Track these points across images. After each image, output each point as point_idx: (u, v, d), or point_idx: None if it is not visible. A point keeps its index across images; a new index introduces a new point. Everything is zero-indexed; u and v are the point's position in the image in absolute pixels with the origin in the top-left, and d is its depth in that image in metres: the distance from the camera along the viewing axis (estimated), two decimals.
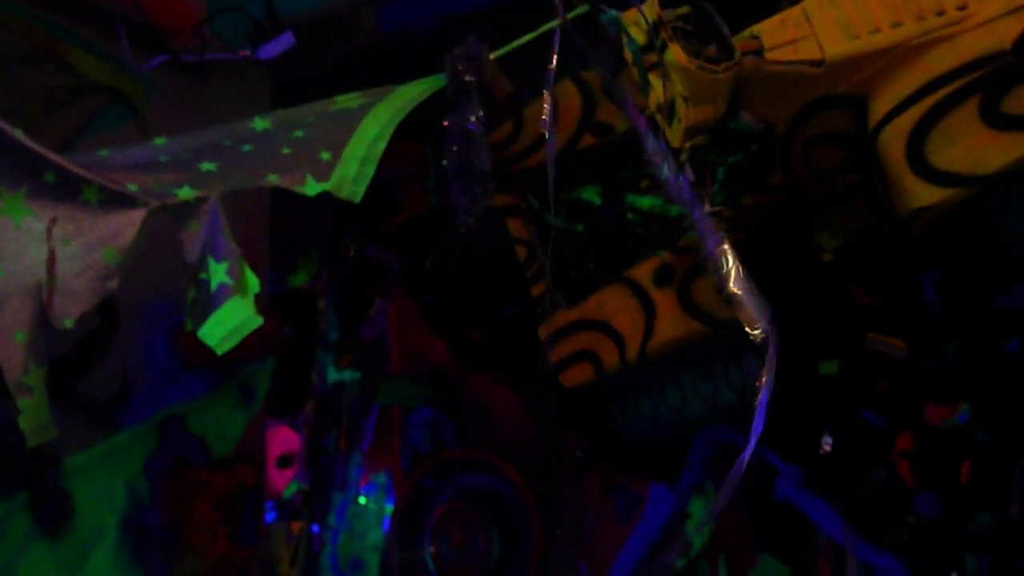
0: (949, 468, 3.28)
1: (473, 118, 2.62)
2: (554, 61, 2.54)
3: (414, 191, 4.98)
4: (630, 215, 3.27)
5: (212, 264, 2.36)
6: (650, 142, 2.46)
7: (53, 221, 2.28)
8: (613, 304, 3.18)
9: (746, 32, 2.50)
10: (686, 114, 2.41)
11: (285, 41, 4.05)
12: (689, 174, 2.58)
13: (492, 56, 2.65)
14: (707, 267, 2.55)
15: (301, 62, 4.28)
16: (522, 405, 4.54)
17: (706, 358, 3.29)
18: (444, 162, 2.59)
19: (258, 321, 2.33)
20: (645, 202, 3.22)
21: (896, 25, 2.46)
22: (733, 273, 2.35)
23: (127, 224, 2.34)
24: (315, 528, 4.90)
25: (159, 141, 2.55)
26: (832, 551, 3.55)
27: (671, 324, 3.06)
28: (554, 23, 2.64)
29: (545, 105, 2.59)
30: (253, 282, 2.35)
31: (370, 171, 2.54)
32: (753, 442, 2.23)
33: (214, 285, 2.34)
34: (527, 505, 4.35)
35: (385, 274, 5.08)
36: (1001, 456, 3.20)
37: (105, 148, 2.52)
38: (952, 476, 3.27)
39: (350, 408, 5.00)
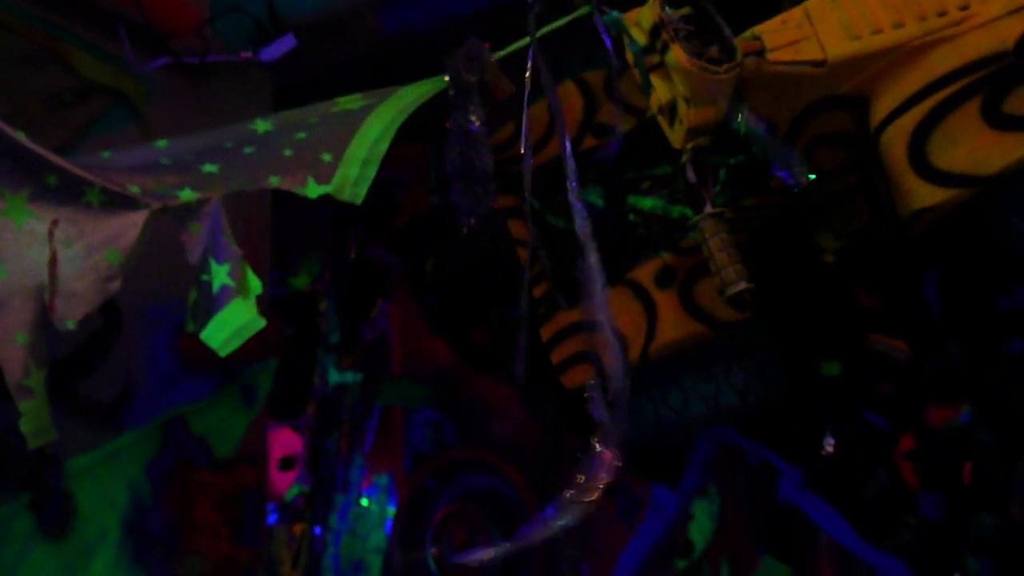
0: (951, 469, 3.28)
1: (475, 119, 2.62)
2: (528, 67, 2.55)
3: (416, 192, 4.99)
4: (632, 216, 3.27)
5: (214, 266, 2.36)
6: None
7: (55, 223, 2.28)
8: (615, 305, 3.18)
9: (748, 33, 2.50)
10: (688, 115, 2.41)
11: (287, 43, 4.05)
12: (691, 175, 2.57)
13: (494, 57, 2.65)
14: (709, 268, 2.55)
15: (303, 63, 4.28)
16: (524, 406, 4.54)
17: (708, 359, 3.29)
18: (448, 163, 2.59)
19: (261, 323, 2.33)
20: (647, 203, 3.22)
21: (898, 26, 2.45)
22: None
23: (129, 226, 2.35)
24: (317, 530, 4.90)
25: (161, 143, 2.56)
26: (834, 552, 3.54)
27: (673, 325, 3.06)
28: (556, 24, 2.65)
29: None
30: (255, 284, 2.35)
31: (372, 172, 2.54)
32: None
33: (216, 287, 2.35)
34: (529, 506, 4.34)
35: (387, 275, 5.08)
36: (1003, 457, 3.20)
37: (107, 150, 2.52)
38: (954, 477, 3.27)
39: (352, 410, 5.01)
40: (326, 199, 2.53)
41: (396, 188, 5.01)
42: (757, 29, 2.51)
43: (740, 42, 2.41)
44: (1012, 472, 3.17)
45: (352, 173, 2.52)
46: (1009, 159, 2.37)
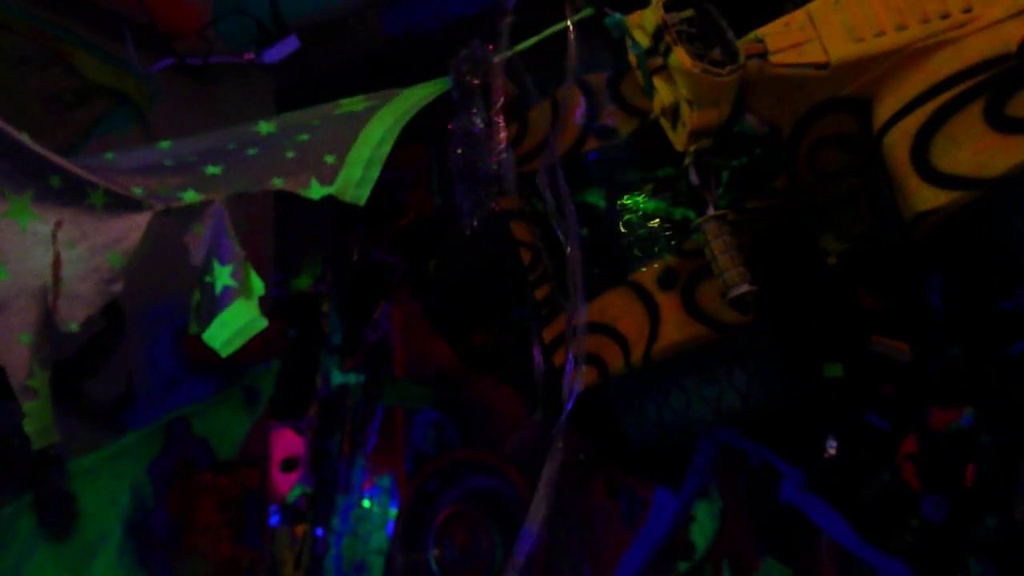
0: (954, 471, 3.27)
1: (478, 121, 2.62)
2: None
3: (419, 193, 4.99)
4: (635, 218, 3.27)
5: (217, 267, 2.37)
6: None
7: (59, 225, 2.29)
8: (617, 307, 3.18)
9: (751, 35, 2.50)
10: (690, 117, 2.41)
11: (290, 44, 4.05)
12: (694, 177, 2.58)
13: (497, 59, 2.65)
14: (712, 270, 2.55)
15: (306, 65, 4.29)
16: (526, 407, 4.54)
17: (710, 361, 3.29)
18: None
19: (263, 323, 2.34)
20: (650, 205, 3.22)
21: (901, 28, 2.46)
22: None
23: (132, 227, 2.35)
24: (319, 531, 4.91)
25: (164, 145, 2.56)
26: (836, 554, 3.54)
27: (675, 327, 3.06)
28: (559, 25, 2.65)
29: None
30: (257, 285, 2.36)
31: (374, 174, 2.55)
32: None
33: (219, 288, 2.35)
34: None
35: (389, 277, 5.08)
36: (1006, 459, 3.19)
37: (110, 151, 2.53)
38: (957, 479, 3.26)
39: (354, 411, 5.01)
40: (329, 200, 2.53)
41: (399, 190, 5.02)
42: (760, 31, 2.51)
43: (743, 44, 2.41)
44: (1014, 474, 3.17)
45: (355, 174, 2.53)
46: (1012, 161, 2.37)
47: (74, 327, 2.31)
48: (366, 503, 4.95)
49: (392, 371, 5.06)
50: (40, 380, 2.24)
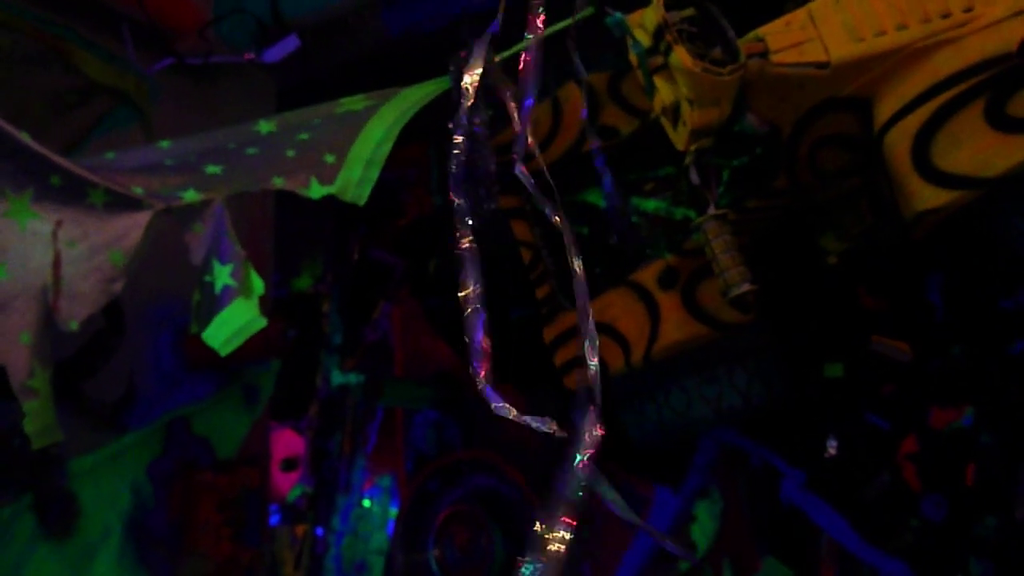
0: (954, 471, 3.27)
1: (478, 120, 2.62)
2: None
3: (418, 193, 4.99)
4: (635, 218, 3.27)
5: (217, 266, 2.36)
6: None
7: (59, 224, 2.28)
8: (618, 307, 3.18)
9: (751, 35, 2.50)
10: (691, 116, 2.41)
11: (290, 44, 4.06)
12: (695, 177, 2.57)
13: (497, 58, 2.65)
14: (712, 270, 2.55)
15: (306, 65, 4.29)
16: (526, 407, 4.53)
17: (711, 361, 3.29)
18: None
19: (262, 323, 2.33)
20: (650, 205, 3.22)
21: (901, 28, 2.45)
22: None
23: (132, 227, 2.35)
24: (319, 531, 4.91)
25: (164, 144, 2.56)
26: (836, 554, 3.54)
27: (676, 327, 3.06)
28: (560, 25, 2.65)
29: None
30: (257, 284, 2.36)
31: (375, 174, 2.54)
32: None
33: (219, 287, 2.35)
34: (531, 507, 4.34)
35: (389, 276, 5.08)
36: (1006, 458, 3.19)
37: (111, 151, 2.53)
38: (957, 479, 3.26)
39: (354, 411, 5.01)
40: (329, 200, 2.53)
41: (399, 189, 5.01)
42: (761, 31, 2.51)
43: (744, 44, 2.41)
44: (1014, 474, 3.17)
45: (355, 174, 2.53)
46: (1012, 161, 2.37)
47: (74, 326, 2.31)
48: (366, 503, 4.95)
49: (392, 371, 5.06)
50: (41, 380, 2.24)
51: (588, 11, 2.67)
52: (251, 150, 2.59)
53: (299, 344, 4.87)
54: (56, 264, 2.27)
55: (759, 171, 2.83)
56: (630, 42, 2.45)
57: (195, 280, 2.43)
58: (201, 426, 4.01)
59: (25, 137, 2.22)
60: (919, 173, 2.48)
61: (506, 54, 2.67)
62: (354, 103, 2.74)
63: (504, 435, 4.59)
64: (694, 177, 2.58)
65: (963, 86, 2.41)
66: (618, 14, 2.47)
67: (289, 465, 4.93)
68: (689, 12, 2.37)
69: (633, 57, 2.48)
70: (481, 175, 2.66)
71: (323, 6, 4.15)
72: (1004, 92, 2.38)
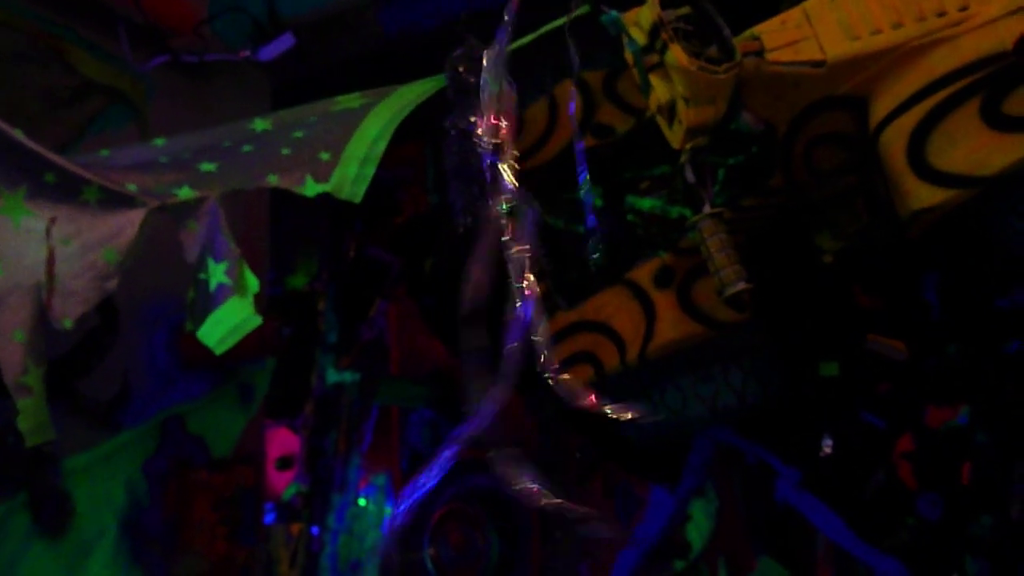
0: (950, 470, 3.27)
1: (474, 119, 2.62)
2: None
3: (414, 191, 4.98)
4: (630, 217, 3.27)
5: (211, 264, 2.36)
6: None
7: (53, 221, 2.28)
8: (613, 306, 3.18)
9: (747, 33, 2.50)
10: (687, 115, 2.40)
11: (285, 42, 4.05)
12: (690, 175, 2.57)
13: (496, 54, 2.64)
14: (708, 268, 2.55)
15: (302, 63, 4.28)
16: (522, 406, 4.54)
17: (706, 360, 3.28)
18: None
19: (257, 321, 2.33)
20: (646, 203, 3.22)
21: (897, 26, 2.45)
22: None
23: (127, 224, 2.34)
24: (314, 530, 4.90)
25: (159, 141, 2.56)
26: (832, 553, 3.54)
27: (671, 326, 3.06)
28: (556, 23, 2.64)
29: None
30: (252, 282, 2.35)
31: (370, 171, 2.54)
32: None
33: (213, 285, 2.35)
34: (527, 507, 4.34)
35: (385, 275, 5.07)
36: (1001, 457, 3.20)
37: (105, 148, 2.52)
38: (953, 478, 3.26)
39: (349, 409, 5.00)
40: (324, 198, 2.53)
41: (395, 188, 5.01)
42: (756, 29, 2.51)
43: (739, 42, 2.40)
44: (1010, 473, 3.17)
45: (351, 172, 2.52)
46: (1008, 160, 2.37)
47: (68, 324, 2.30)
48: (362, 502, 4.94)
49: (388, 369, 5.05)
50: (34, 377, 2.24)
51: (583, 9, 2.67)
52: (246, 148, 2.59)
53: (294, 342, 4.86)
54: (50, 261, 2.27)
55: (755, 170, 2.83)
56: (625, 40, 2.45)
57: (189, 278, 2.43)
58: (196, 424, 4.01)
59: (19, 134, 2.22)
60: (915, 172, 2.48)
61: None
62: (350, 101, 2.74)
63: (498, 435, 4.59)
64: (689, 175, 2.57)
65: (959, 85, 2.41)
66: (613, 12, 2.47)
67: (284, 463, 4.93)
68: (685, 10, 2.37)
69: (629, 55, 2.48)
70: (475, 173, 2.66)
71: (319, 4, 4.15)
72: (1000, 90, 2.37)
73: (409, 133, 2.74)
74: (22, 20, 3.55)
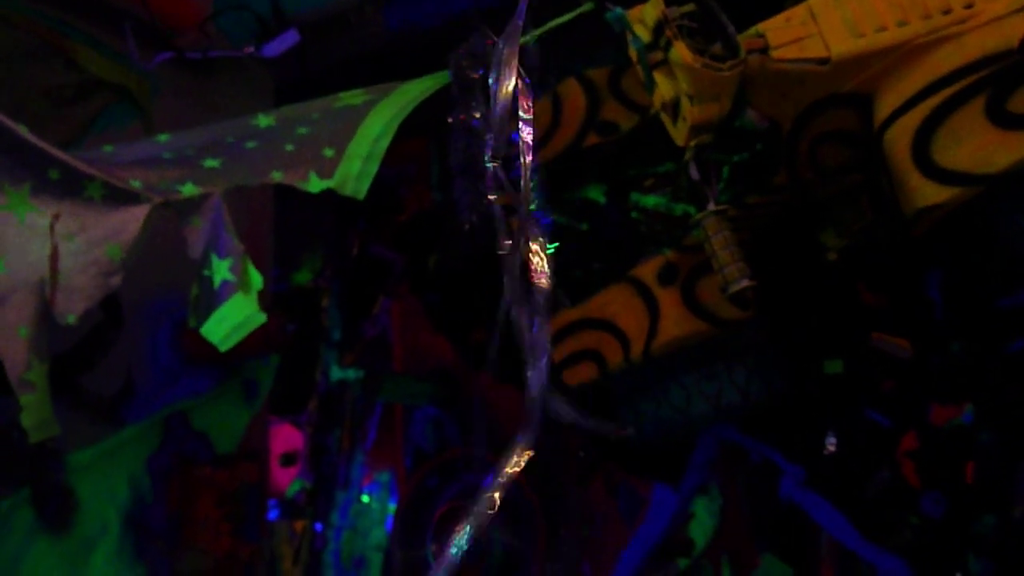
0: (953, 468, 3.27)
1: (477, 115, 2.62)
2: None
3: (418, 189, 4.98)
4: (634, 214, 3.27)
5: (215, 261, 2.36)
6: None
7: (56, 217, 2.28)
8: (617, 303, 3.18)
9: (751, 30, 2.49)
10: (691, 112, 2.40)
11: (290, 39, 4.06)
12: (694, 173, 2.57)
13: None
14: (712, 266, 2.55)
15: (306, 60, 4.28)
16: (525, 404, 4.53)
17: (710, 357, 3.28)
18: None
19: (261, 318, 2.33)
20: (650, 201, 3.22)
21: (902, 23, 2.45)
22: None
23: (130, 220, 2.35)
24: (318, 526, 4.91)
25: (163, 137, 2.56)
26: (835, 551, 3.54)
27: (675, 323, 3.06)
28: (559, 20, 2.64)
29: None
30: (256, 279, 2.35)
31: (374, 168, 2.54)
32: None
33: (217, 282, 2.35)
34: (531, 505, 4.34)
35: (389, 272, 5.07)
36: (1005, 456, 3.19)
37: (109, 144, 2.52)
38: (956, 476, 3.26)
39: (353, 406, 5.00)
40: (328, 194, 2.53)
41: (399, 185, 5.01)
42: (761, 26, 2.50)
43: (744, 39, 2.40)
44: (1014, 471, 3.16)
45: (354, 168, 2.53)
46: (1013, 158, 2.36)
47: (72, 320, 2.31)
48: (365, 498, 4.95)
49: (391, 367, 5.05)
50: (38, 373, 2.24)
51: (588, 6, 2.67)
52: (250, 144, 2.59)
53: (298, 339, 4.87)
54: (54, 257, 2.27)
55: (759, 167, 2.82)
56: (630, 37, 2.45)
57: (193, 274, 2.43)
58: (200, 421, 4.01)
59: (24, 131, 2.22)
60: (919, 169, 2.47)
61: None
62: (353, 97, 2.74)
63: (502, 432, 4.59)
64: (694, 173, 2.57)
65: (964, 82, 2.41)
66: (618, 9, 2.47)
67: (288, 460, 4.93)
68: (689, 8, 2.37)
69: (633, 52, 2.48)
70: (480, 170, 2.66)
71: (323, 2, 4.15)
72: (1005, 89, 2.37)
73: (413, 129, 2.74)
74: (27, 18, 3.56)
